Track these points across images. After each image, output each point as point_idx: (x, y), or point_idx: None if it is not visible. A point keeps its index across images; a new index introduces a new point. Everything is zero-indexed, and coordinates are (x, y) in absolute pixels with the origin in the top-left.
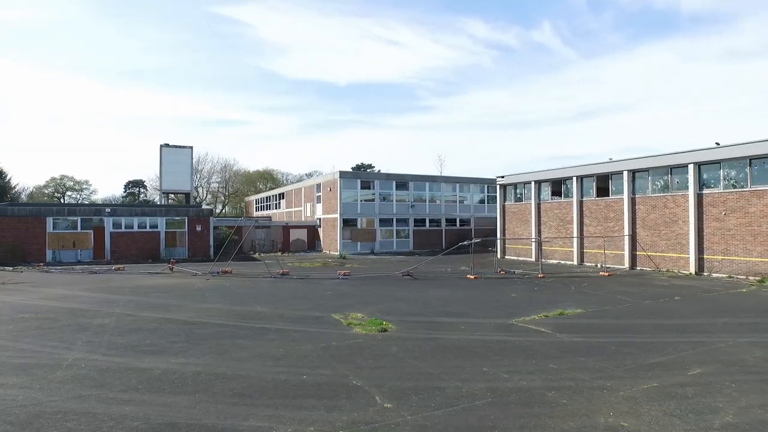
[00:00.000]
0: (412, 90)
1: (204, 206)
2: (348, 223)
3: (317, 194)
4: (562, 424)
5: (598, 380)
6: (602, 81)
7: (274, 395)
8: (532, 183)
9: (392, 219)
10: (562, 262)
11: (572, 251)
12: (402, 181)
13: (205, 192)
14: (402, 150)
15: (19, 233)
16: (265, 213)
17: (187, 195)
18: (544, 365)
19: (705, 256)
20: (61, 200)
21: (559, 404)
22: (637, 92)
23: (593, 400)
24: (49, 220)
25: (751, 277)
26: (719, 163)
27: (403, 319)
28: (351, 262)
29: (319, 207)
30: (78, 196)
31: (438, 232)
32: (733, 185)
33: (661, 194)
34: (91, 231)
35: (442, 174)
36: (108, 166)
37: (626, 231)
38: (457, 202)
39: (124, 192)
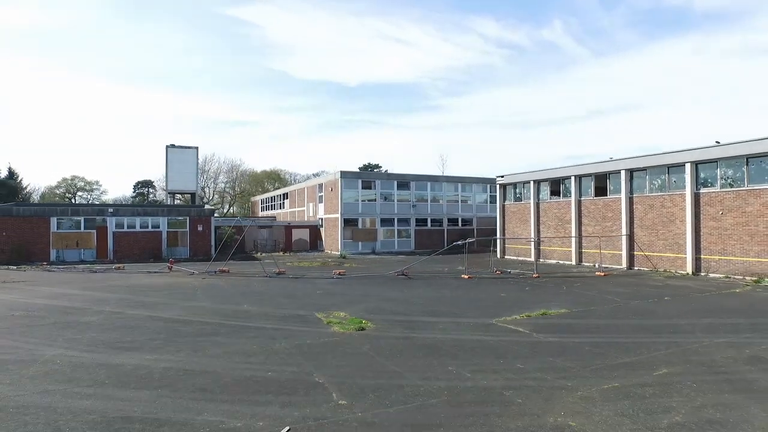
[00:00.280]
0: (422, 89)
1: (209, 206)
2: (349, 222)
3: (319, 194)
4: (510, 423)
5: (561, 380)
6: (614, 79)
7: (236, 391)
8: (531, 183)
9: (394, 219)
10: (561, 262)
11: (570, 251)
12: (403, 181)
13: (211, 192)
14: (411, 150)
15: (24, 233)
16: (270, 213)
17: (193, 195)
18: (512, 365)
19: (702, 256)
20: (73, 200)
21: (513, 404)
22: (651, 90)
23: (549, 400)
24: (53, 220)
25: (747, 278)
26: (716, 162)
27: (385, 318)
28: (350, 262)
29: (321, 207)
30: (89, 196)
31: (440, 231)
32: (730, 184)
33: (659, 194)
34: (94, 231)
35: (444, 173)
36: (118, 166)
37: (624, 231)
38: (459, 201)
39: (134, 192)
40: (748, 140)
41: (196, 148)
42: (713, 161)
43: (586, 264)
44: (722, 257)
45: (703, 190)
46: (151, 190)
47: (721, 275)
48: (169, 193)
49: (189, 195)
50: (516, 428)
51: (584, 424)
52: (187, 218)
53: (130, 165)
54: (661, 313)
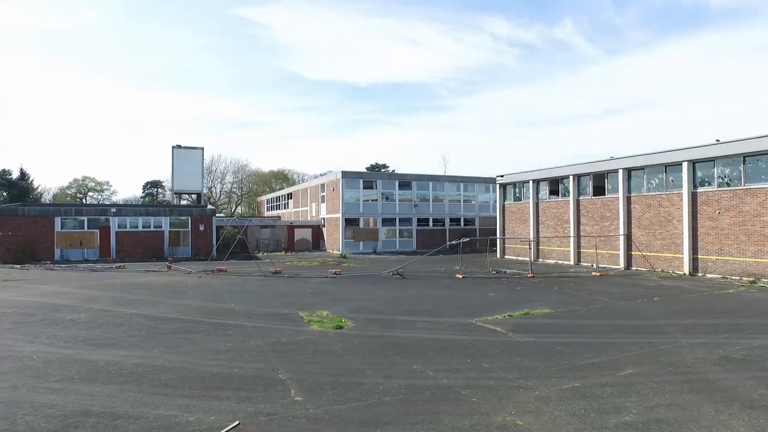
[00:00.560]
0: (433, 89)
1: (211, 206)
2: (350, 222)
3: (321, 194)
4: (458, 422)
5: (521, 380)
6: (627, 77)
7: (198, 386)
8: (531, 182)
9: (395, 218)
10: (560, 262)
11: (569, 251)
12: (405, 181)
13: (218, 192)
14: (421, 149)
15: (29, 232)
16: (274, 213)
17: (199, 195)
18: (478, 364)
19: (699, 256)
20: (84, 201)
21: (467, 402)
22: (663, 89)
23: (503, 399)
24: (57, 220)
25: (744, 278)
26: (713, 160)
27: (366, 317)
28: (349, 262)
29: (323, 207)
30: (99, 196)
31: (442, 231)
32: (727, 183)
33: (656, 193)
34: (97, 230)
35: (447, 173)
36: (129, 166)
37: (622, 230)
38: (462, 201)
39: (143, 193)
40: (745, 138)
41: (202, 148)
42: (710, 160)
43: (584, 264)
44: (719, 257)
45: (700, 190)
46: (160, 191)
47: (718, 276)
48: (175, 193)
49: (195, 195)
50: (463, 427)
51: (532, 423)
52: (189, 218)
53: (140, 165)
54: (645, 313)
